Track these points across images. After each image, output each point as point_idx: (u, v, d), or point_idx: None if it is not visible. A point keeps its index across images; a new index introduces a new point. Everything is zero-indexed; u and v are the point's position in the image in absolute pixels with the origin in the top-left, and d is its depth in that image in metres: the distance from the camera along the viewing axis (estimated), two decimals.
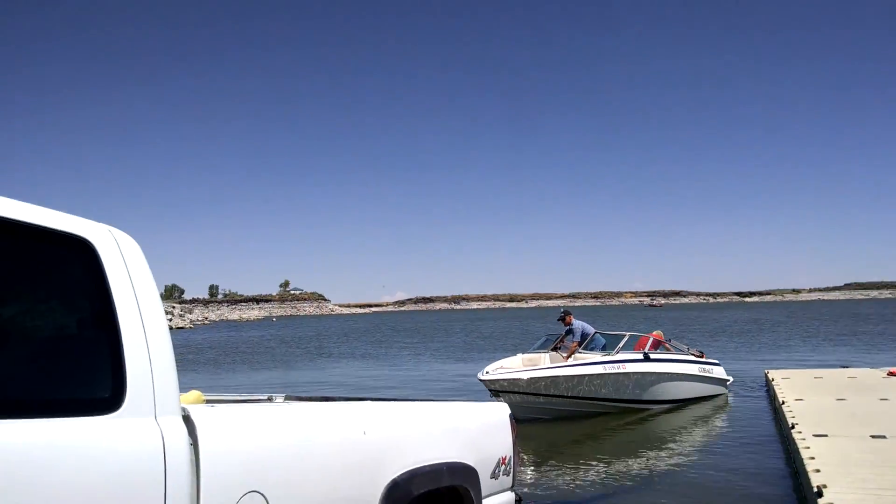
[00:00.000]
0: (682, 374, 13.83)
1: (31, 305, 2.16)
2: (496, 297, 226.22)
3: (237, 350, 37.80)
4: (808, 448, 7.52)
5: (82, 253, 2.19)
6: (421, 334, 50.00)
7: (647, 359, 13.11)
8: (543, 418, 11.97)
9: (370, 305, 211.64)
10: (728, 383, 15.25)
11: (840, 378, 14.25)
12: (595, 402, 12.45)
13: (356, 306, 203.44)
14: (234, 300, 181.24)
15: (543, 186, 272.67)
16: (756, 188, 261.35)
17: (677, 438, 11.02)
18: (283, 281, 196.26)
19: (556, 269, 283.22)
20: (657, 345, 14.08)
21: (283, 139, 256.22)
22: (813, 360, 22.37)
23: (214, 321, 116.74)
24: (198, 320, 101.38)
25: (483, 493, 3.57)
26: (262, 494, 2.39)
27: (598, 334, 13.98)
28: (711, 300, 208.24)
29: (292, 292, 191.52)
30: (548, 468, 8.89)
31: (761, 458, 9.04)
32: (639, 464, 9.14)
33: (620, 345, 13.19)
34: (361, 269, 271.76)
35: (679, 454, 9.74)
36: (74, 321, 2.30)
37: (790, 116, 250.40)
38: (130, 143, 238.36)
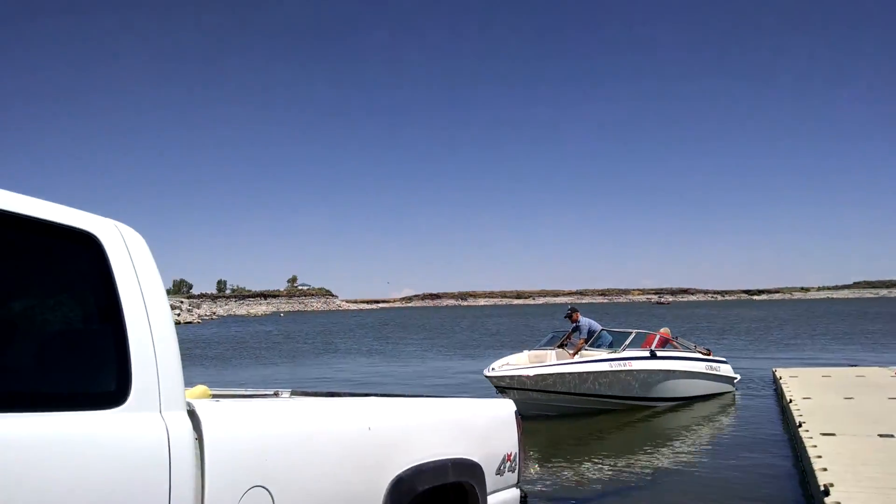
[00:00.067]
0: (689, 372, 13.81)
1: (37, 300, 2.16)
2: (503, 294, 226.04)
3: (245, 345, 37.93)
4: (816, 447, 7.49)
5: (88, 248, 2.19)
6: (428, 331, 50.05)
7: (653, 356, 13.09)
8: (549, 415, 11.97)
9: (377, 301, 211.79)
10: (735, 381, 15.21)
11: (848, 377, 14.20)
12: (601, 399, 12.44)
13: (363, 302, 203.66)
14: (241, 295, 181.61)
15: (552, 183, 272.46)
16: (765, 185, 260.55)
17: (683, 436, 11.00)
18: (290, 276, 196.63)
19: (563, 266, 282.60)
20: (664, 342, 14.05)
21: (293, 135, 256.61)
22: (821, 358, 22.27)
23: (222, 316, 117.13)
24: (206, 315, 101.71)
25: (488, 490, 3.57)
26: (267, 489, 2.39)
27: (604, 331, 13.95)
28: (719, 298, 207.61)
29: (300, 288, 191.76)
30: (553, 465, 8.88)
31: (768, 456, 9.02)
32: (644, 461, 9.12)
33: (627, 342, 13.17)
34: (369, 265, 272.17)
35: (685, 452, 9.73)
36: (80, 316, 2.30)
37: (801, 113, 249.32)
38: (140, 138, 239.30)
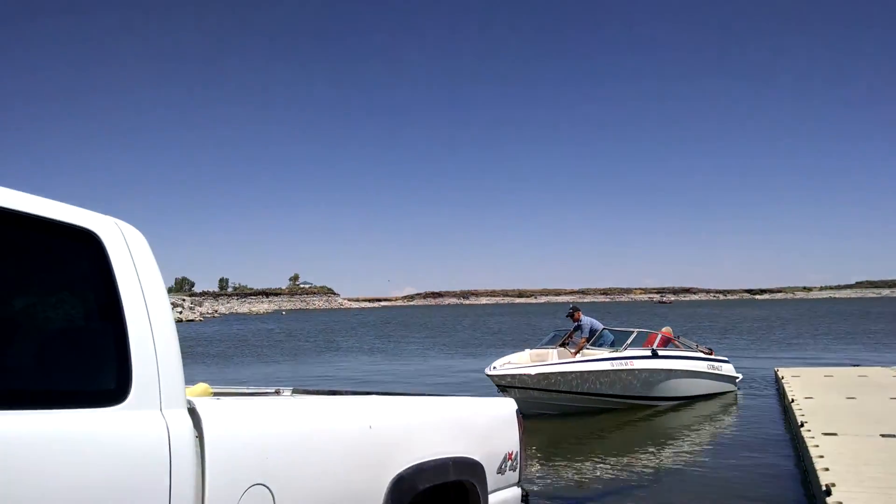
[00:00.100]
0: (691, 371, 13.80)
1: (37, 297, 2.16)
2: (505, 293, 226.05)
3: (246, 343, 37.96)
4: (818, 446, 7.48)
5: (89, 245, 2.19)
6: (429, 329, 50.07)
7: (654, 355, 13.08)
8: (550, 414, 11.96)
9: (379, 300, 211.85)
10: (737, 381, 15.21)
11: (850, 376, 14.19)
12: (602, 398, 12.43)
13: (365, 300, 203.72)
14: (243, 293, 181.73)
15: (554, 182, 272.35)
16: (768, 185, 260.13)
17: (685, 435, 10.99)
18: (292, 275, 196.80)
19: (565, 265, 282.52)
20: (666, 342, 14.04)
21: (295, 134, 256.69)
22: (823, 358, 22.25)
23: (224, 314, 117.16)
24: (208, 313, 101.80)
25: (489, 489, 3.56)
26: (268, 487, 2.39)
27: (606, 331, 13.95)
28: (722, 297, 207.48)
29: (302, 286, 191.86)
30: (554, 464, 8.88)
31: (770, 456, 9.01)
32: (645, 460, 9.12)
33: (628, 341, 13.17)
34: (371, 263, 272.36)
35: (686, 451, 9.72)
36: (81, 313, 2.30)
37: (803, 113, 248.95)
38: (142, 138, 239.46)
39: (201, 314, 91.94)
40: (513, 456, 3.84)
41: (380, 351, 30.54)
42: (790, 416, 10.53)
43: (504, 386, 11.78)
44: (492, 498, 3.59)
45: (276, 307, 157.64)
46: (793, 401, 10.96)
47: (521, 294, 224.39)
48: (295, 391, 4.50)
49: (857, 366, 17.28)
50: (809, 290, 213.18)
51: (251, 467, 2.37)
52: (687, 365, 13.78)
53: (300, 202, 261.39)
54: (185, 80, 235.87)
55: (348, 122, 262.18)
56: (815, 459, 6.92)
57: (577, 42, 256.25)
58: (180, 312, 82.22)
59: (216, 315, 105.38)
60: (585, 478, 8.31)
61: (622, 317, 55.58)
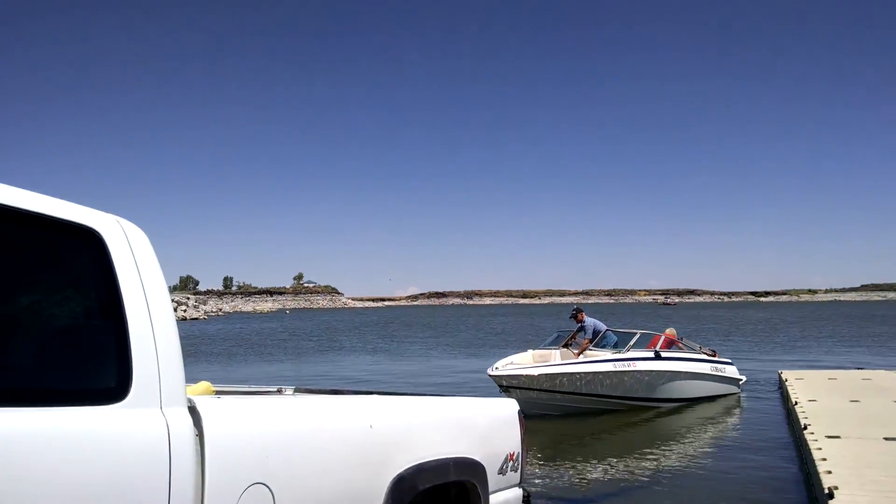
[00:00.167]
0: (694, 373, 13.78)
1: (38, 295, 2.16)
2: (509, 293, 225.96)
3: (250, 342, 38.01)
4: (821, 449, 7.46)
5: (90, 243, 2.19)
6: (433, 329, 50.07)
7: (657, 357, 13.06)
8: (553, 415, 11.95)
9: (383, 299, 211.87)
10: (741, 383, 15.18)
11: (854, 379, 14.15)
12: (605, 399, 12.42)
13: (369, 300, 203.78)
14: (247, 292, 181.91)
15: (559, 183, 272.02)
16: (773, 187, 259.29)
17: (687, 437, 10.98)
18: (296, 274, 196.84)
19: (569, 266, 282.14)
20: (670, 343, 14.02)
21: (299, 134, 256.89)
22: (827, 360, 22.21)
23: (228, 313, 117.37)
24: (212, 311, 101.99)
25: (490, 489, 3.56)
26: (268, 486, 2.39)
27: (609, 332, 13.94)
28: (726, 299, 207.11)
29: (306, 285, 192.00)
30: (556, 464, 8.87)
31: (772, 458, 8.99)
32: (647, 462, 9.10)
33: (631, 342, 13.16)
34: (375, 263, 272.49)
35: (689, 453, 9.70)
36: (82, 311, 2.30)
37: (808, 114, 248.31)
38: (147, 136, 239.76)
39: (205, 312, 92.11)
40: (514, 456, 3.84)
41: (383, 350, 30.56)
42: (793, 418, 10.50)
43: (506, 386, 11.78)
44: (493, 498, 3.58)
45: (280, 306, 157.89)
46: (796, 403, 10.93)
47: (524, 295, 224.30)
48: (297, 390, 4.50)
49: (861, 369, 17.22)
50: (814, 292, 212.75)
51: (251, 466, 2.37)
52: (690, 367, 13.76)
53: (305, 202, 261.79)
54: (188, 80, 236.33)
55: (352, 122, 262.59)
56: (817, 462, 6.90)
57: (579, 43, 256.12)
58: (184, 311, 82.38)
59: (220, 313, 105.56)
60: (587, 479, 8.30)
61: (626, 318, 55.51)
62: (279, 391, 4.37)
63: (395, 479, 2.95)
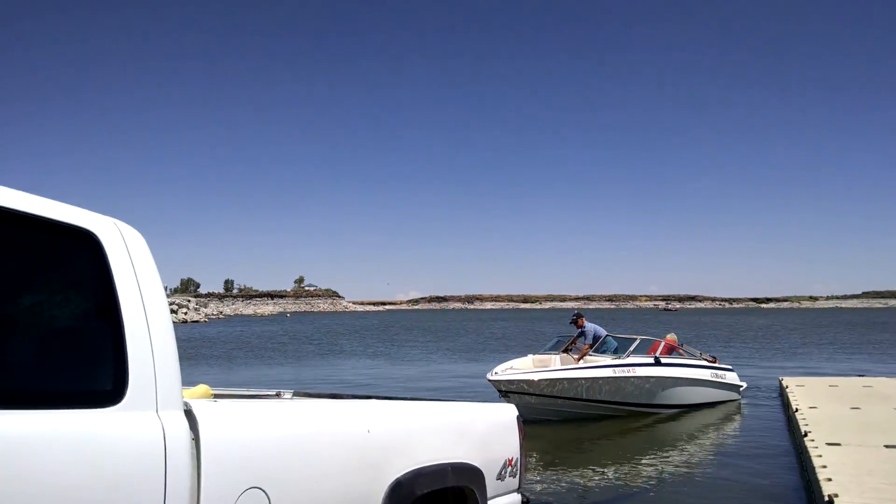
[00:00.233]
0: (694, 379, 13.75)
1: (34, 297, 2.16)
2: (510, 298, 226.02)
3: (250, 345, 37.99)
4: (821, 456, 7.44)
5: (87, 245, 2.18)
6: (433, 333, 50.04)
7: (657, 363, 13.04)
8: (552, 420, 11.93)
9: (384, 303, 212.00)
10: (741, 389, 15.15)
11: (855, 386, 14.12)
12: (605, 404, 12.40)
13: (370, 304, 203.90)
14: (248, 295, 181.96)
15: (560, 188, 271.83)
16: (775, 193, 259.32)
17: (687, 443, 10.95)
18: (297, 277, 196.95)
19: (570, 271, 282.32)
20: (670, 349, 14.00)
21: (301, 136, 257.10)
22: (828, 367, 22.17)
23: (229, 315, 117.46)
24: (212, 314, 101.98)
25: (489, 495, 3.55)
26: (264, 491, 2.38)
27: (609, 337, 13.93)
28: (727, 306, 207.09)
29: (307, 289, 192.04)
30: (555, 470, 8.85)
31: (773, 465, 8.96)
32: (647, 468, 9.08)
33: (631, 348, 13.14)
34: (376, 267, 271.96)
35: (688, 459, 9.68)
36: (78, 313, 2.29)
37: (810, 120, 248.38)
38: (148, 137, 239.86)
39: (206, 315, 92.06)
40: (513, 462, 3.83)
41: (383, 354, 30.53)
42: (794, 425, 10.48)
43: (506, 391, 11.76)
44: None
45: (281, 309, 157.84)
46: (797, 410, 10.91)
47: (525, 299, 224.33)
48: (296, 394, 4.49)
49: (862, 376, 17.19)
50: (815, 299, 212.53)
51: (247, 470, 2.36)
52: (690, 373, 13.74)
53: (306, 205, 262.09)
54: (189, 82, 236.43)
55: (353, 125, 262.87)
56: (818, 469, 6.88)
57: (582, 46, 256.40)
58: (185, 313, 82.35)
59: (221, 316, 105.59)
60: (586, 485, 8.28)
61: (627, 324, 55.46)
62: (278, 395, 4.35)
63: (392, 484, 2.94)
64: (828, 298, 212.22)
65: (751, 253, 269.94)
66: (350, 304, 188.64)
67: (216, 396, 3.85)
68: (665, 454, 10.01)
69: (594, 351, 13.37)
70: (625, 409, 12.64)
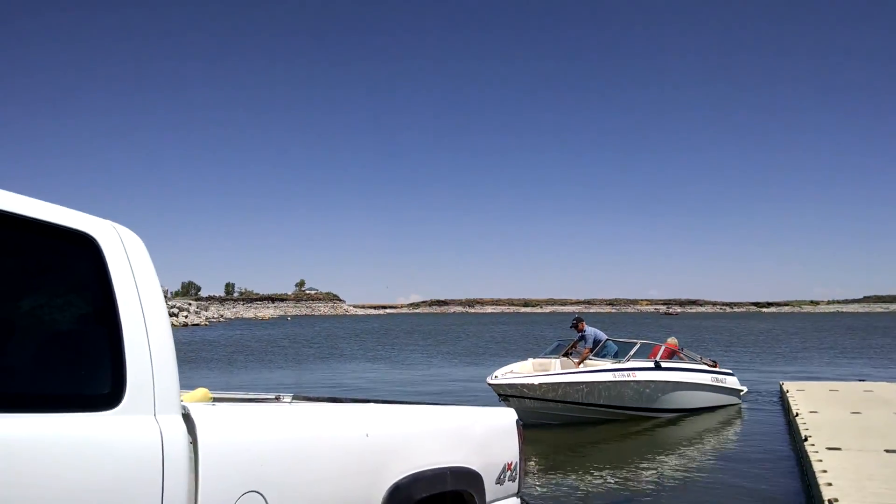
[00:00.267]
0: (694, 384, 13.73)
1: (32, 300, 2.15)
2: (511, 302, 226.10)
3: (251, 348, 37.96)
4: (821, 461, 7.43)
5: (85, 249, 2.18)
6: (433, 337, 50.01)
7: (657, 367, 13.02)
8: (551, 424, 11.91)
9: (384, 307, 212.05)
10: (742, 394, 15.14)
11: (856, 391, 14.10)
12: (604, 409, 12.38)
13: (370, 307, 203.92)
14: (249, 298, 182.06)
15: (561, 191, 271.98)
16: (776, 197, 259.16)
17: (687, 448, 10.93)
18: (298, 280, 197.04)
19: (571, 275, 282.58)
20: (671, 354, 13.98)
21: (302, 140, 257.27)
22: (829, 372, 22.15)
23: (230, 319, 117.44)
24: (213, 318, 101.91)
25: (488, 499, 3.54)
26: (262, 494, 2.38)
27: (609, 341, 13.91)
28: (728, 310, 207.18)
29: (307, 292, 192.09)
30: (554, 474, 8.84)
31: (773, 470, 8.95)
32: (647, 473, 9.07)
33: (631, 352, 13.12)
34: (376, 270, 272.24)
35: (688, 464, 9.66)
36: (76, 317, 2.29)
37: (811, 125, 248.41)
38: (149, 140, 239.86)
39: (207, 318, 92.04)
40: (512, 466, 3.82)
41: (383, 358, 30.51)
42: (794, 430, 10.47)
43: (506, 395, 11.75)
44: None
45: (282, 313, 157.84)
46: (797, 415, 10.90)
47: (526, 303, 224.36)
48: (295, 398, 4.48)
49: (863, 380, 17.18)
50: (816, 303, 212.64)
51: (245, 473, 2.36)
52: (690, 377, 13.72)
53: (307, 208, 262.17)
54: (189, 85, 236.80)
55: (355, 129, 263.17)
56: (818, 474, 6.87)
57: (583, 48, 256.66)
58: (186, 316, 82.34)
59: (222, 320, 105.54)
60: (586, 489, 8.26)
61: (628, 328, 55.43)
62: (277, 398, 4.35)
63: (391, 488, 2.93)
64: (829, 303, 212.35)
65: (752, 257, 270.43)
66: (351, 308, 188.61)
67: (215, 400, 3.84)
68: (665, 458, 10.00)
69: (594, 355, 13.35)
70: (625, 413, 12.63)
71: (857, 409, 11.38)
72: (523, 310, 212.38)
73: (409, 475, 3.03)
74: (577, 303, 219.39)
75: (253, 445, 2.44)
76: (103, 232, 2.25)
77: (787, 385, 15.43)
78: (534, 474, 8.67)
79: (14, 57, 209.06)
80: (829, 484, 6.45)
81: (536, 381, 11.90)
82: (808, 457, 7.87)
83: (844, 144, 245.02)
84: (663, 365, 13.19)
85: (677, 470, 9.25)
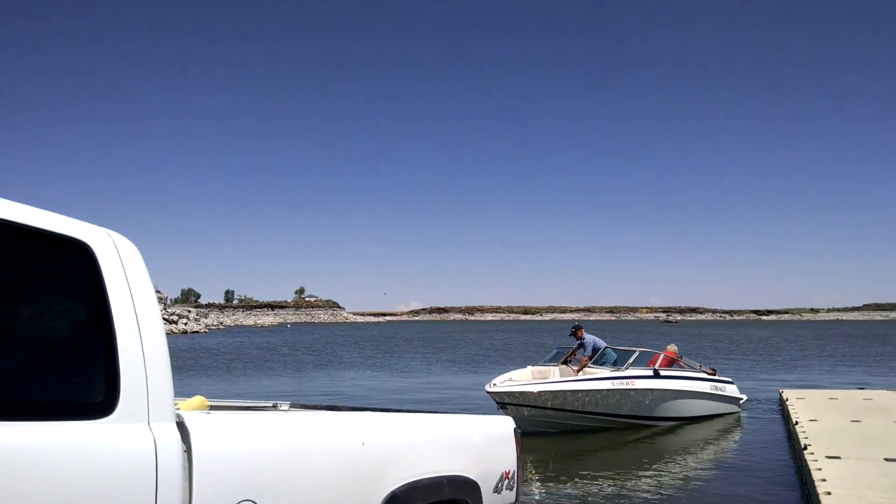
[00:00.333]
0: (693, 392, 13.71)
1: (26, 308, 2.14)
2: (510, 310, 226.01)
3: (250, 356, 37.91)
4: (821, 469, 7.41)
5: (80, 256, 2.17)
6: (433, 345, 49.96)
7: (656, 375, 13.00)
8: (550, 432, 11.89)
9: (384, 314, 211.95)
10: (741, 402, 15.11)
11: (855, 399, 14.08)
12: (603, 417, 12.36)
13: (370, 315, 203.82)
14: (249, 306, 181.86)
15: (561, 199, 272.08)
16: (776, 205, 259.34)
17: (686, 456, 10.90)
18: (298, 288, 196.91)
19: (571, 283, 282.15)
20: (670, 362, 13.96)
21: (302, 147, 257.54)
22: (828, 380, 22.13)
23: (229, 326, 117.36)
24: (213, 325, 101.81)
25: None
26: (257, 503, 2.37)
27: (609, 349, 13.90)
28: (728, 317, 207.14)
29: (307, 299, 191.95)
30: (552, 483, 8.81)
31: (772, 478, 8.92)
32: (645, 481, 9.04)
33: (630, 360, 13.10)
34: (376, 277, 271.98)
35: (687, 472, 9.63)
36: (70, 324, 2.28)
37: (811, 132, 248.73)
38: (148, 148, 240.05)
39: (206, 326, 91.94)
40: (510, 475, 3.81)
41: (383, 366, 30.47)
42: (794, 438, 10.44)
43: (504, 403, 11.72)
44: None
45: (282, 320, 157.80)
46: (797, 423, 10.88)
47: (526, 311, 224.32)
48: (293, 406, 4.47)
49: (863, 388, 17.16)
50: (816, 311, 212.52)
51: (240, 482, 2.35)
52: (689, 385, 13.69)
53: (307, 215, 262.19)
54: (190, 91, 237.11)
55: (354, 136, 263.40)
56: (817, 483, 6.85)
57: (582, 56, 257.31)
58: (185, 324, 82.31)
59: (221, 327, 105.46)
60: (583, 498, 8.23)
61: (628, 336, 55.37)
62: (274, 406, 4.34)
63: (387, 497, 2.93)
64: (829, 311, 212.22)
65: (752, 265, 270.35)
66: (350, 315, 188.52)
67: (212, 408, 3.84)
68: (664, 467, 9.97)
69: (593, 363, 13.34)
70: (623, 421, 12.60)
71: (856, 418, 11.36)
72: (523, 317, 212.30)
73: (405, 484, 3.02)
74: (577, 310, 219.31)
75: (248, 454, 2.43)
76: (98, 239, 2.24)
77: (786, 393, 15.41)
78: (531, 482, 8.65)
79: (11, 61, 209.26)
80: (829, 493, 6.43)
81: (535, 389, 11.88)
82: (807, 465, 7.85)
83: (844, 152, 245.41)
84: (662, 373, 13.17)
85: (676, 479, 9.22)
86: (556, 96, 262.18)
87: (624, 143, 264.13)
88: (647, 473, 9.46)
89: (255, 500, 2.36)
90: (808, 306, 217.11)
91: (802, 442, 9.18)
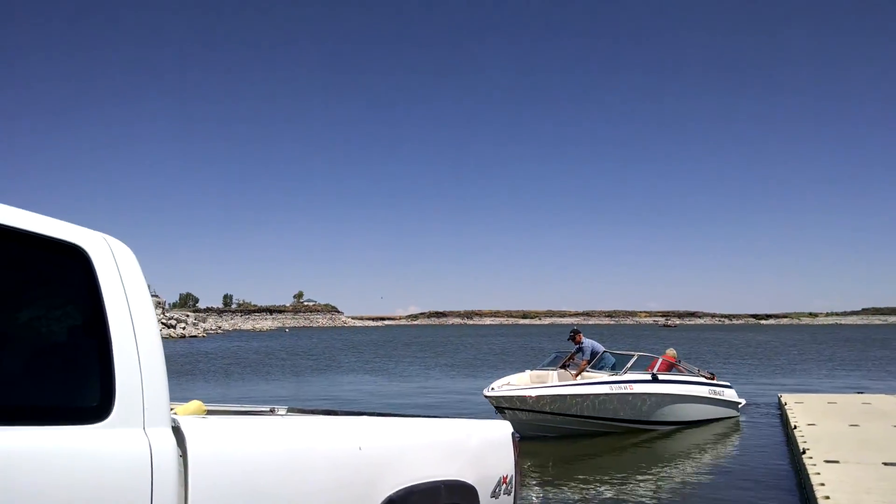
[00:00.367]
0: (691, 396, 13.69)
1: (21, 312, 2.14)
2: (509, 314, 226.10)
3: (248, 360, 37.87)
4: (819, 474, 7.41)
5: (75, 260, 2.17)
6: (431, 349, 49.92)
7: (655, 379, 12.99)
8: (548, 436, 11.87)
9: (383, 319, 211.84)
10: (740, 406, 15.09)
11: (854, 404, 14.07)
12: (601, 421, 12.34)
13: (369, 319, 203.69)
14: (247, 310, 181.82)
15: (559, 203, 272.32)
16: (775, 209, 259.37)
17: (684, 461, 10.89)
18: (296, 292, 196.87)
19: (570, 287, 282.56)
20: (669, 366, 13.96)
21: (301, 151, 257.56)
22: (827, 384, 22.12)
23: (228, 330, 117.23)
24: (211, 329, 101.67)
25: None
26: None
27: (607, 353, 13.89)
28: (727, 322, 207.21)
29: (306, 304, 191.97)
30: (550, 487, 8.80)
31: (771, 483, 8.91)
32: (643, 486, 9.02)
33: (628, 364, 13.09)
34: (375, 282, 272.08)
35: (686, 477, 9.62)
36: (65, 328, 2.27)
37: (810, 135, 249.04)
38: (146, 152, 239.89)
39: (205, 330, 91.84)
40: (507, 479, 3.80)
41: (381, 370, 30.44)
42: (792, 442, 10.43)
43: (502, 407, 11.71)
44: None
45: (280, 324, 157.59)
46: (795, 427, 10.87)
47: (524, 315, 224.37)
48: (290, 410, 4.46)
49: (861, 393, 17.15)
50: (815, 315, 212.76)
51: (236, 487, 2.34)
52: (687, 389, 13.68)
53: (306, 220, 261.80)
54: (188, 95, 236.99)
55: (353, 140, 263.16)
56: (816, 487, 6.85)
57: (581, 59, 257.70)
58: (184, 328, 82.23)
59: (219, 331, 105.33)
60: (580, 503, 8.22)
61: (626, 340, 55.38)
62: (272, 411, 4.33)
63: (384, 501, 2.92)
64: (827, 315, 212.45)
65: (751, 269, 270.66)
66: (349, 320, 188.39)
67: (210, 412, 3.82)
68: (662, 472, 9.95)
69: (592, 367, 13.33)
70: (622, 426, 12.58)
71: (855, 422, 11.35)
72: (522, 321, 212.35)
73: (403, 488, 3.01)
74: (576, 315, 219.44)
75: (244, 458, 2.42)
76: (93, 243, 2.23)
77: (785, 397, 15.40)
78: (529, 487, 8.63)
79: (10, 65, 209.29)
80: (828, 497, 6.43)
81: (533, 393, 11.86)
82: (806, 470, 7.85)
83: (843, 156, 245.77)
84: (661, 377, 13.16)
85: (674, 483, 9.21)
86: (555, 100, 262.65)
87: (623, 147, 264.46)
88: (645, 478, 9.45)
89: None
90: (807, 310, 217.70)
91: (801, 446, 9.18)
